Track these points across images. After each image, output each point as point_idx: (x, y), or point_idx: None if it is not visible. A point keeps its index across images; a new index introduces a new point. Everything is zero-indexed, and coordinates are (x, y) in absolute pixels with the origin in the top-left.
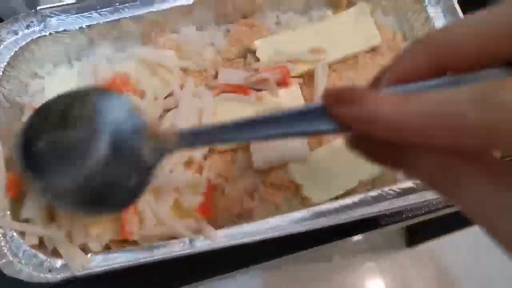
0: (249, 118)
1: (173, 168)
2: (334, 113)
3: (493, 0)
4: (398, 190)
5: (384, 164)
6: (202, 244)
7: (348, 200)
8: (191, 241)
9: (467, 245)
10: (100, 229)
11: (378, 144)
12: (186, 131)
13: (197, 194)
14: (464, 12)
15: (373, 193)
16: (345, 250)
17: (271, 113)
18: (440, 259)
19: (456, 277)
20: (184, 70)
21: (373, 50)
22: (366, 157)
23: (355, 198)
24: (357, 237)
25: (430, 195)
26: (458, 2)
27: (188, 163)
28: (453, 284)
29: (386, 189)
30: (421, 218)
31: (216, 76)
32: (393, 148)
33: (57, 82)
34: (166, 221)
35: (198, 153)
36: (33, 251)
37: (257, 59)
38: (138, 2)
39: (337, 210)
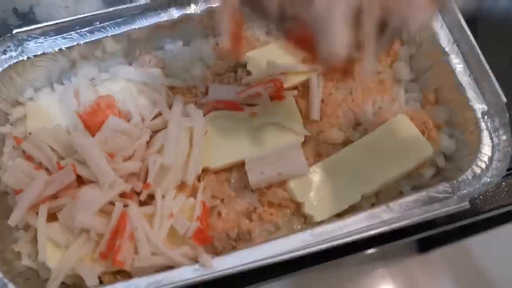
0: None
1: (165, 193)
2: None
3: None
4: (406, 203)
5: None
6: (196, 275)
7: (354, 219)
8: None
9: (480, 251)
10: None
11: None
12: None
13: (192, 220)
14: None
15: (379, 210)
16: (357, 257)
17: None
18: (452, 265)
19: (469, 283)
20: (172, 88)
21: None
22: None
23: (361, 216)
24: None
25: (436, 208)
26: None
27: (181, 187)
28: None
29: (391, 204)
30: (435, 231)
31: (206, 93)
32: None
33: (39, 107)
34: (163, 250)
35: (191, 175)
36: None
37: (249, 73)
38: (119, 20)
39: (341, 229)
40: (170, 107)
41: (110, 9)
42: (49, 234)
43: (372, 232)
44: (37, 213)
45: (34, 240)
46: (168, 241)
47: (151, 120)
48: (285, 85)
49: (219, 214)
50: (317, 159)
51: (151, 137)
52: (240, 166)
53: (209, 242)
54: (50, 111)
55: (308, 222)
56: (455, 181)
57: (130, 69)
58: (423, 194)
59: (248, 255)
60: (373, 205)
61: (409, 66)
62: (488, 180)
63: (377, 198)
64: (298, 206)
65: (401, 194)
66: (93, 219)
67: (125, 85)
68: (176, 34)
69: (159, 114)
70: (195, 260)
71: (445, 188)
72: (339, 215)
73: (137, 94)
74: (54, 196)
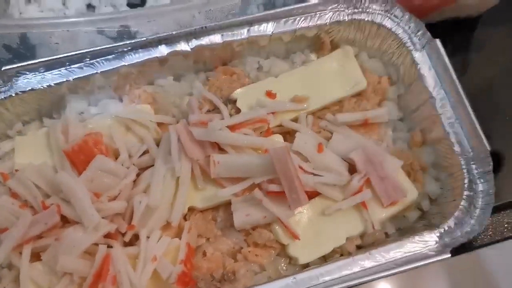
0: None
1: (150, 233)
2: None
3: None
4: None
5: None
6: None
7: (338, 264)
8: None
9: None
10: None
11: None
12: None
13: (176, 262)
14: (449, 56)
15: (362, 256)
16: None
17: None
18: (483, 268)
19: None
20: (161, 124)
21: (358, 94)
22: None
23: (344, 262)
24: None
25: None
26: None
27: (166, 227)
28: None
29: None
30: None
31: None
32: None
33: (27, 142)
34: None
35: (176, 216)
36: None
37: (238, 110)
38: (110, 57)
39: (322, 276)
40: (158, 144)
41: (100, 47)
42: (32, 276)
43: (352, 283)
44: (20, 253)
45: (17, 279)
46: (151, 284)
47: (139, 157)
48: (274, 124)
49: (204, 254)
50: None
51: (138, 174)
52: (227, 205)
53: (193, 284)
54: (38, 145)
55: (293, 263)
56: (438, 230)
57: (119, 105)
58: (406, 244)
59: None
60: (358, 248)
61: (397, 105)
62: (470, 229)
63: (362, 239)
64: (284, 246)
65: (386, 236)
66: (76, 262)
67: (113, 122)
68: (166, 69)
69: (147, 151)
70: None
71: (429, 239)
72: (324, 257)
73: (125, 131)
74: (39, 236)
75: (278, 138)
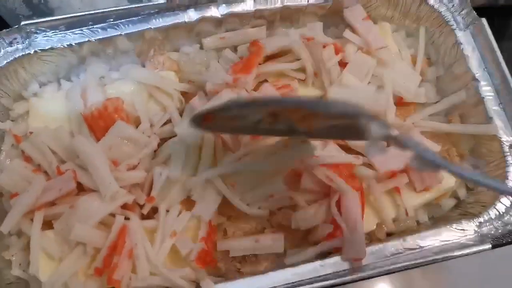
0: None
1: (170, 208)
2: None
3: None
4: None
5: None
6: None
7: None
8: None
9: None
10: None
11: None
12: None
13: (196, 240)
14: (494, 35)
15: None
16: None
17: None
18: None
19: None
20: (185, 94)
21: None
22: None
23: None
24: None
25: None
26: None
27: (186, 202)
28: None
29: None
30: None
31: None
32: None
33: (43, 104)
34: (162, 272)
35: (198, 189)
36: None
37: None
38: (135, 19)
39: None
40: (181, 114)
41: (126, 6)
42: (43, 245)
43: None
44: (32, 220)
45: (27, 248)
46: (169, 260)
47: (160, 126)
48: None
49: (225, 232)
50: None
51: (159, 145)
52: None
53: (213, 264)
54: (55, 109)
55: None
56: (477, 219)
57: (143, 70)
58: (443, 232)
59: (253, 283)
60: (388, 235)
61: (435, 87)
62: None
63: (393, 226)
64: (308, 230)
65: (417, 224)
66: (91, 232)
67: (135, 88)
68: (193, 36)
69: (169, 120)
70: (196, 282)
71: (467, 228)
72: None
73: (147, 98)
74: (51, 203)
75: None
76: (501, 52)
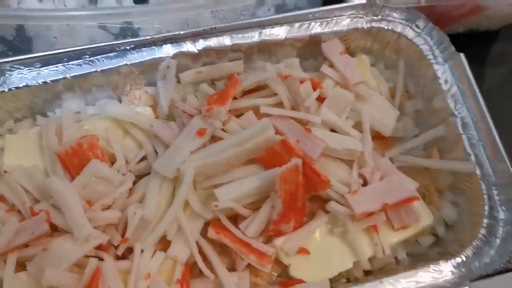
0: None
1: (145, 247)
2: None
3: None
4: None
5: None
6: None
7: None
8: None
9: None
10: None
11: None
12: None
13: (172, 282)
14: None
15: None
16: None
17: None
18: None
19: None
20: None
21: None
22: None
23: None
24: None
25: None
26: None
27: (162, 242)
28: None
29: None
30: None
31: None
32: None
33: (18, 141)
34: None
35: (172, 227)
36: None
37: None
38: (111, 54)
39: None
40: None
41: (101, 44)
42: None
43: None
44: (5, 262)
45: None
46: None
47: (136, 163)
48: None
49: (201, 272)
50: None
51: (135, 182)
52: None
53: None
54: (29, 146)
55: None
56: (454, 260)
57: (118, 106)
58: (419, 273)
59: None
60: (366, 274)
61: (413, 121)
62: (489, 261)
63: (370, 264)
64: (285, 267)
65: (396, 261)
66: (63, 276)
67: (111, 124)
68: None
69: (145, 157)
70: None
71: (444, 268)
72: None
73: (123, 134)
74: (25, 244)
75: None
76: (482, 77)
